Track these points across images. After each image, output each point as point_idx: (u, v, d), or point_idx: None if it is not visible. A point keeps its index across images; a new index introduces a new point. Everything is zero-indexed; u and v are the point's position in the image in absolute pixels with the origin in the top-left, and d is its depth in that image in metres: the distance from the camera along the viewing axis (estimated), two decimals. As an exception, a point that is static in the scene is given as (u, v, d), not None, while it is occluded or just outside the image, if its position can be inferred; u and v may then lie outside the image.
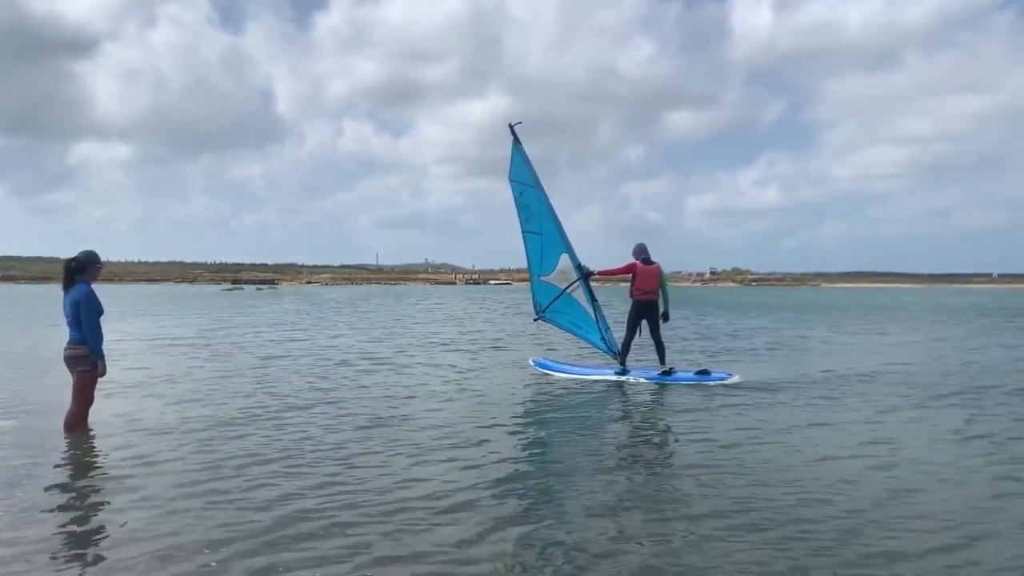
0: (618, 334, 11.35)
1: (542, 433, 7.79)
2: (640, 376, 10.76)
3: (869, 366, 12.87)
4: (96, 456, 6.37)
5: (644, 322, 11.03)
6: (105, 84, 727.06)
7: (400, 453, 6.48)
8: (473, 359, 14.06)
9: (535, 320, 12.18)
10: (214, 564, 3.96)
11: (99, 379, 7.07)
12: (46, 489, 5.38)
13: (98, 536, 4.49)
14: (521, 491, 5.49)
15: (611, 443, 7.26)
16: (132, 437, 6.94)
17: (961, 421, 8.10)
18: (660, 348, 11.10)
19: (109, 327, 7.99)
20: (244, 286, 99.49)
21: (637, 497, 5.37)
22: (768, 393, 9.77)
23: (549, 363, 12.10)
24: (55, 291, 7.18)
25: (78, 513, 4.91)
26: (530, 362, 12.42)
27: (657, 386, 10.33)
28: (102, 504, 5.12)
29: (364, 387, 10.22)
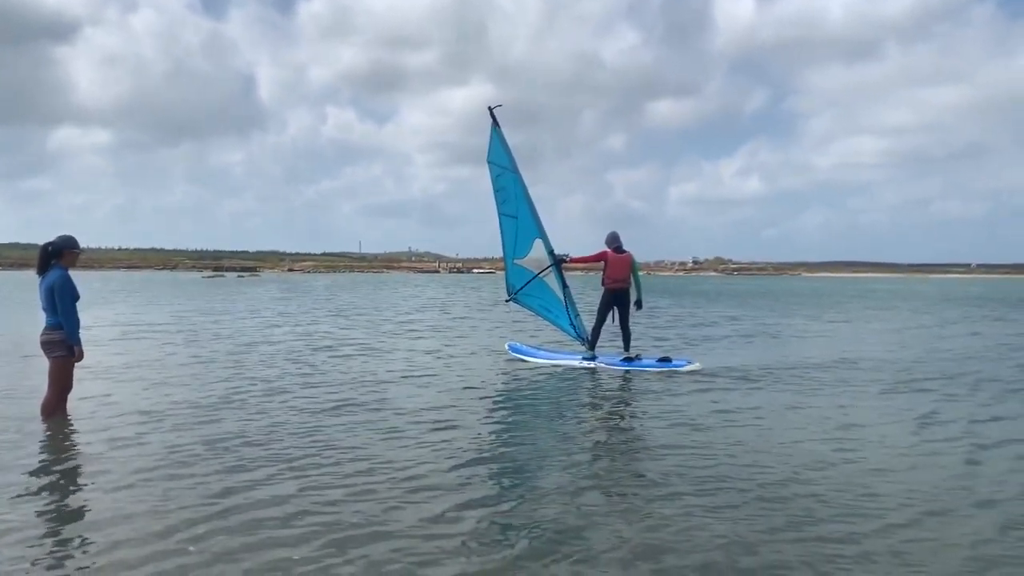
0: (590, 322, 11.48)
1: (513, 416, 7.96)
2: (606, 362, 10.95)
3: (840, 353, 13.10)
4: (71, 440, 6.39)
5: (615, 310, 11.17)
6: (85, 69, 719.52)
7: (375, 436, 6.58)
8: (449, 345, 14.18)
9: (506, 301, 12.38)
10: (191, 549, 4.01)
11: (76, 364, 7.04)
12: (22, 473, 5.40)
13: (74, 519, 4.55)
14: (492, 472, 5.62)
15: (580, 426, 7.40)
16: (109, 422, 6.97)
17: (927, 406, 8.30)
18: (627, 336, 11.26)
19: (88, 313, 7.98)
20: (225, 274, 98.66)
21: (604, 477, 5.51)
22: (737, 379, 9.94)
23: (524, 348, 12.33)
24: (34, 277, 7.12)
25: (53, 496, 4.96)
26: (506, 347, 12.59)
27: (624, 372, 10.50)
28: (76, 488, 5.17)
29: (342, 372, 10.29)
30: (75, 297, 6.87)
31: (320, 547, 4.05)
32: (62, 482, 5.26)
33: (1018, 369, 11.42)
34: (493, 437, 6.89)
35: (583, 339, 11.54)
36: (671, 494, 5.03)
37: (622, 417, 7.90)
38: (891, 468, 5.79)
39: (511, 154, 11.20)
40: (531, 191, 11.20)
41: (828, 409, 8.05)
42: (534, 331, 15.86)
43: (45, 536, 4.24)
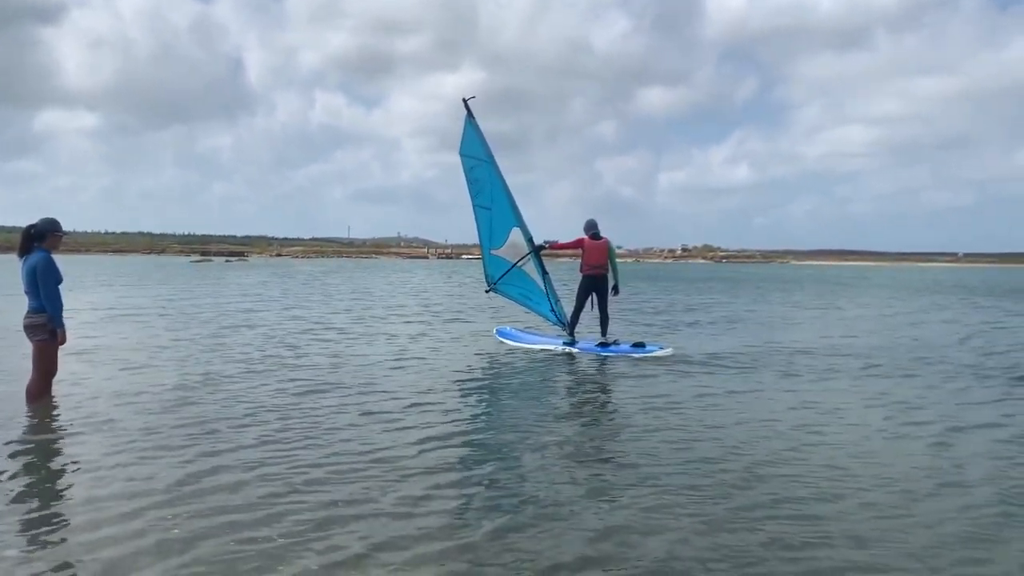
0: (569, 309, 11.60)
1: (494, 399, 8.11)
2: (585, 347, 11.07)
3: (820, 340, 13.29)
4: (56, 423, 6.43)
5: (594, 296, 11.26)
6: (72, 51, 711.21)
7: (357, 417, 6.67)
8: (433, 329, 14.31)
9: (487, 292, 12.48)
10: (176, 531, 4.07)
11: (60, 347, 7.02)
12: (8, 456, 5.45)
13: (55, 500, 4.62)
14: (471, 454, 5.74)
15: (557, 410, 7.55)
16: (91, 403, 7.01)
17: (904, 391, 8.47)
18: (605, 321, 11.38)
19: (73, 296, 7.98)
20: (213, 258, 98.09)
21: (579, 458, 5.63)
22: (715, 365, 10.10)
23: (512, 332, 12.48)
24: (16, 260, 7.07)
25: (32, 478, 5.02)
26: (494, 331, 12.74)
27: (602, 357, 10.62)
28: (59, 469, 5.24)
29: (327, 356, 10.35)
30: (58, 280, 6.82)
31: (300, 526, 4.13)
32: (44, 464, 5.31)
33: (987, 356, 11.61)
34: (473, 420, 7.00)
35: (563, 324, 11.68)
36: (645, 476, 5.14)
37: (599, 401, 8.04)
38: (866, 451, 5.93)
39: (486, 144, 11.28)
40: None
41: (806, 393, 8.21)
42: (520, 316, 15.94)
43: (26, 516, 4.30)
